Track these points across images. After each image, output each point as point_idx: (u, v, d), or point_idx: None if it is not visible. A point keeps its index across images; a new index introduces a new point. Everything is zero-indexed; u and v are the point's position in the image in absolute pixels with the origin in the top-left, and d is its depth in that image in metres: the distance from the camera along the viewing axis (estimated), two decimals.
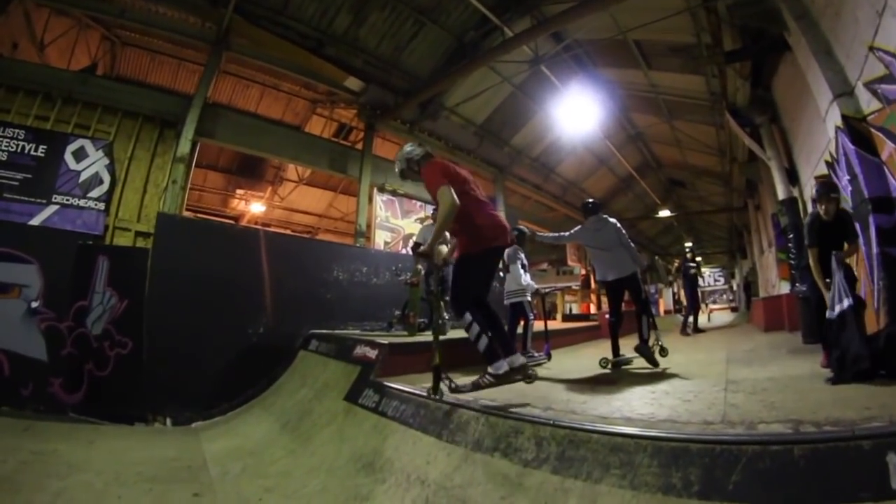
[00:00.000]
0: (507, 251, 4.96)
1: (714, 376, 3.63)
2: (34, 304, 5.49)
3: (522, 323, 5.26)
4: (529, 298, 5.24)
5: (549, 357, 5.03)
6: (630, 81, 9.69)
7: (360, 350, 4.41)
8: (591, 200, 4.96)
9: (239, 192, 13.27)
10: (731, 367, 4.04)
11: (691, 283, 8.95)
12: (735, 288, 24.79)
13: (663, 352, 4.54)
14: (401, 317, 5.86)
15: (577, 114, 9.20)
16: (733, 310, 18.95)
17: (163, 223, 5.74)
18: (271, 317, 5.74)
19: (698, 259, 8.74)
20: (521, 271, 5.22)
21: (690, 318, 8.71)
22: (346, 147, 9.62)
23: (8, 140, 5.98)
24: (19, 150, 6.00)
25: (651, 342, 4.39)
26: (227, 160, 12.58)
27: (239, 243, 6.01)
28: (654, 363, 4.26)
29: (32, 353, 5.48)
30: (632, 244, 4.58)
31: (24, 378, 5.40)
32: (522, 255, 5.31)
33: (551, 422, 2.29)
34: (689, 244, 8.43)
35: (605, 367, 4.42)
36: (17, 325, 5.49)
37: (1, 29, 6.58)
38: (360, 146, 9.38)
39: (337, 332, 5.70)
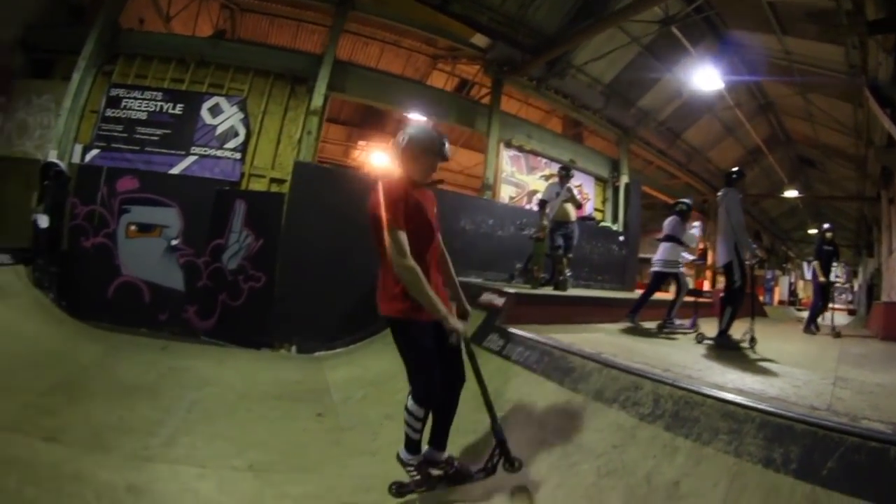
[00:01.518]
0: (670, 224, 5.41)
1: (824, 371, 3.75)
2: (174, 242, 6.67)
3: (675, 291, 5.65)
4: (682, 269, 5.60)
5: (695, 327, 5.32)
6: (763, 47, 9.25)
7: (486, 297, 4.73)
8: (733, 170, 4.85)
9: (360, 143, 14.11)
10: (841, 366, 4.10)
11: (826, 267, 7.63)
12: (856, 288, 22.83)
13: (753, 342, 4.49)
14: (523, 270, 6.37)
15: (705, 78, 8.99)
16: (851, 312, 17.60)
17: (299, 170, 6.63)
18: None
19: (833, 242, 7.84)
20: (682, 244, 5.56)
21: (820, 317, 7.60)
22: (472, 102, 10.05)
23: (147, 101, 7.14)
24: (158, 109, 7.12)
25: (742, 334, 4.47)
26: (349, 113, 13.43)
27: (367, 189, 6.58)
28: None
29: (171, 284, 6.70)
30: (739, 229, 4.44)
31: (163, 305, 6.63)
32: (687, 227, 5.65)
33: (671, 381, 2.62)
34: (827, 224, 7.80)
35: (698, 343, 4.67)
36: (157, 260, 6.73)
37: (129, 6, 7.63)
38: (484, 101, 9.79)
39: (460, 278, 6.19)
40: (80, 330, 5.84)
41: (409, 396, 2.36)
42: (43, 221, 6.51)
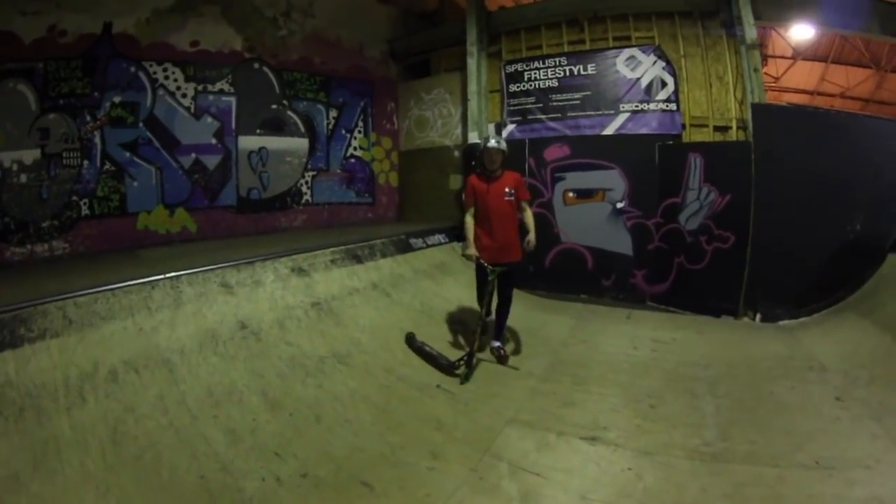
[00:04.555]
0: None
1: None
2: (619, 205, 7.52)
3: None
4: None
5: None
6: None
7: None
8: None
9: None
10: None
11: None
12: None
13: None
14: None
15: None
16: None
17: (758, 114, 6.54)
18: (863, 211, 6.03)
19: None
20: None
21: None
22: (890, 5, 8.61)
23: (552, 69, 8.14)
24: (567, 73, 8.05)
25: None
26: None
27: (830, 127, 6.42)
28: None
29: (616, 248, 7.60)
30: None
31: (607, 270, 7.67)
32: None
33: None
34: None
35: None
36: (601, 224, 7.66)
37: None
38: None
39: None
40: (532, 301, 7.01)
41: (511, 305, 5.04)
42: None
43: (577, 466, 3.17)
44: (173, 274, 4.27)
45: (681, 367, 4.74)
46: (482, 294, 4.83)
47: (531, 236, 4.78)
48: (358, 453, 3.23)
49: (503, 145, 4.78)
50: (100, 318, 3.70)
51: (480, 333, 4.69)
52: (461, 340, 5.32)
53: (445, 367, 4.51)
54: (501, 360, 4.87)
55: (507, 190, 4.77)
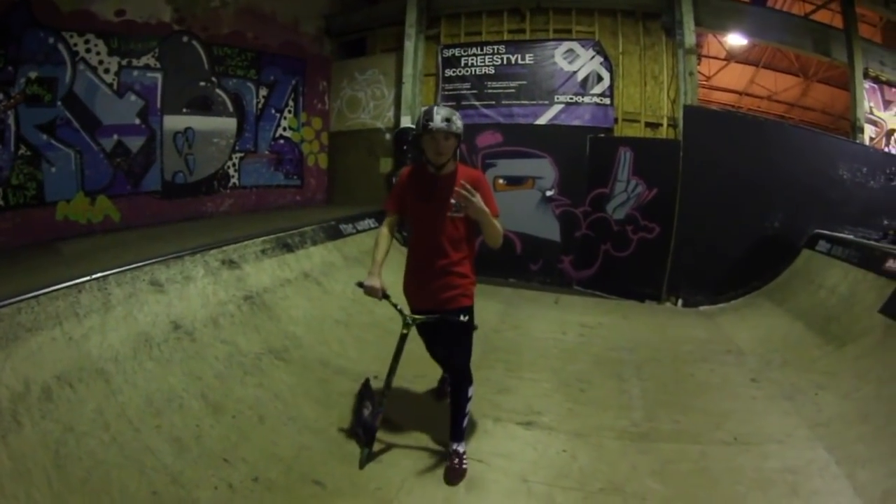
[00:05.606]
0: None
1: None
2: (549, 193, 7.96)
3: None
4: None
5: None
6: None
7: (893, 263, 4.78)
8: None
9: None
10: None
11: None
12: None
13: None
14: None
15: None
16: None
17: (690, 116, 7.11)
18: (780, 211, 6.73)
19: None
20: None
21: None
22: (823, 26, 9.23)
23: (490, 56, 8.34)
24: (505, 62, 8.27)
25: None
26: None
27: (756, 133, 6.97)
28: None
29: (545, 235, 8.05)
30: None
31: (535, 255, 8.11)
32: None
33: None
34: None
35: None
36: (531, 211, 8.07)
37: None
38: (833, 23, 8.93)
39: (847, 236, 6.21)
40: None
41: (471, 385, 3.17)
42: None
43: (516, 451, 3.39)
44: (100, 274, 4.05)
45: (608, 352, 5.11)
46: (395, 355, 3.25)
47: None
48: (305, 451, 3.30)
49: (457, 125, 2.94)
50: (25, 330, 3.44)
51: (378, 406, 3.33)
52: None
53: (358, 434, 3.42)
54: (453, 475, 3.09)
55: (453, 200, 2.95)
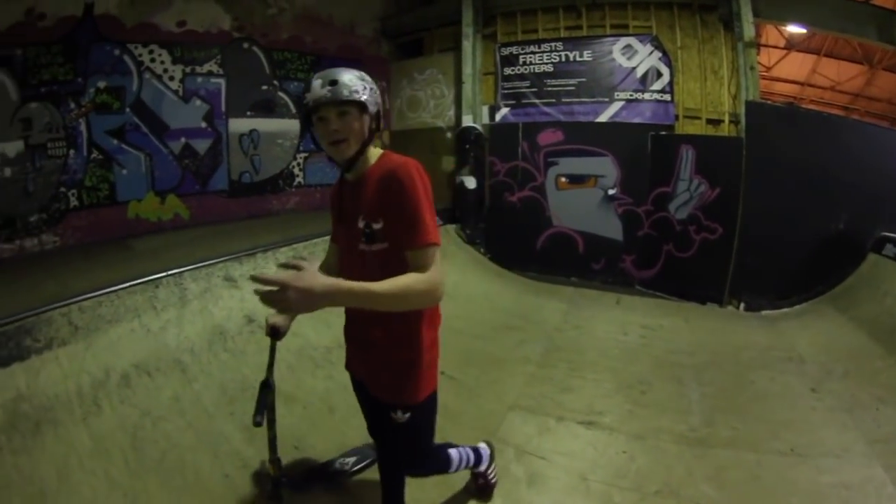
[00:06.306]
0: None
1: None
2: (611, 192, 7.93)
3: None
4: None
5: None
6: None
7: None
8: None
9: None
10: None
11: None
12: None
13: None
14: None
15: None
16: None
17: (752, 112, 6.83)
18: (846, 211, 6.36)
19: None
20: None
21: None
22: (889, 11, 8.76)
23: (548, 53, 8.33)
24: (563, 59, 8.26)
25: None
26: None
27: (820, 129, 6.68)
28: None
29: (607, 234, 8.04)
30: None
31: (597, 254, 8.11)
32: None
33: None
34: None
35: None
36: (593, 210, 8.07)
37: None
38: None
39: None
40: (524, 284, 7.42)
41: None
42: (470, 182, 8.78)
43: (577, 450, 3.51)
44: (177, 270, 4.41)
45: (668, 354, 5.10)
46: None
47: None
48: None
49: (351, 86, 1.85)
50: (105, 321, 3.78)
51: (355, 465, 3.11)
52: None
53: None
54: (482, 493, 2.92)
55: (361, 223, 1.92)
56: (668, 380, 4.55)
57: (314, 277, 1.48)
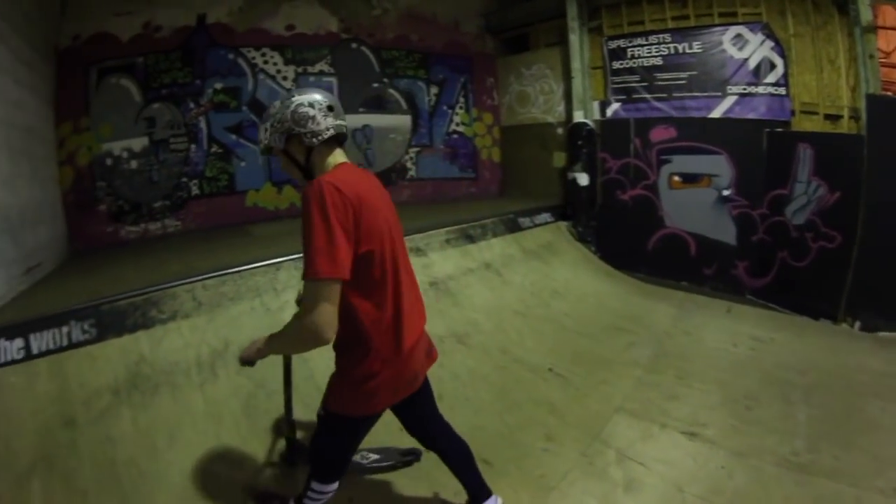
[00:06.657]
0: None
1: None
2: (725, 193, 7.42)
3: None
4: None
5: None
6: None
7: None
8: None
9: None
10: None
11: None
12: None
13: None
14: None
15: None
16: None
17: (874, 107, 6.16)
18: None
19: None
20: None
21: None
22: None
23: (656, 45, 8.04)
24: (672, 51, 7.94)
25: None
26: None
27: None
28: None
29: (719, 237, 7.51)
30: None
31: (709, 259, 7.58)
32: None
33: None
34: None
35: None
36: (706, 211, 7.58)
37: None
38: None
39: None
40: (634, 286, 7.24)
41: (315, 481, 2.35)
42: (583, 179, 8.66)
43: (677, 459, 3.44)
44: (297, 255, 4.63)
45: (778, 370, 4.84)
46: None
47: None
48: (478, 431, 3.53)
49: (265, 133, 2.12)
50: (228, 299, 4.10)
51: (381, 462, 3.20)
52: None
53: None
54: None
55: None
56: (776, 398, 4.31)
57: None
